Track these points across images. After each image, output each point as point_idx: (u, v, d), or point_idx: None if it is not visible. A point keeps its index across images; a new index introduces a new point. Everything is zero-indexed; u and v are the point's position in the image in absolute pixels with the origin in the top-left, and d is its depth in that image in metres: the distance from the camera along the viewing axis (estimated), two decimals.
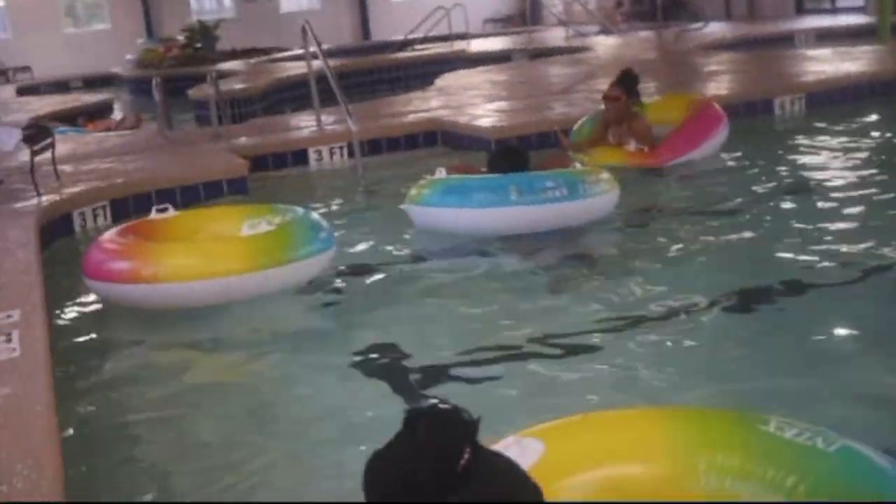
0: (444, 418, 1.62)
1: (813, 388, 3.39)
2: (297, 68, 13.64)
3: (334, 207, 6.68)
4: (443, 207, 5.43)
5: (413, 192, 5.65)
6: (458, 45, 17.86)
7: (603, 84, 7.71)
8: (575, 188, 5.37)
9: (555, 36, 19.94)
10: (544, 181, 5.37)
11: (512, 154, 5.84)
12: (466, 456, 1.56)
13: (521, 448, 2.02)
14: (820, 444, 2.05)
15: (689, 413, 2.37)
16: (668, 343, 3.90)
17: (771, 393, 3.38)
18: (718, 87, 9.68)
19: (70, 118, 12.45)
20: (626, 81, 6.93)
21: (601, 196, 5.51)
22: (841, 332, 3.99)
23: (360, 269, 5.29)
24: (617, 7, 23.22)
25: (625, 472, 2.15)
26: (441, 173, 5.61)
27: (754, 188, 6.39)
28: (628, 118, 6.86)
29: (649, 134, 6.82)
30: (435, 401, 3.49)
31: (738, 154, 7.29)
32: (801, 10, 20.47)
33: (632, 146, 6.80)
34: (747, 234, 5.37)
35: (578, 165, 5.72)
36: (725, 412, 2.38)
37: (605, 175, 5.61)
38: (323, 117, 8.82)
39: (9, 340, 3.55)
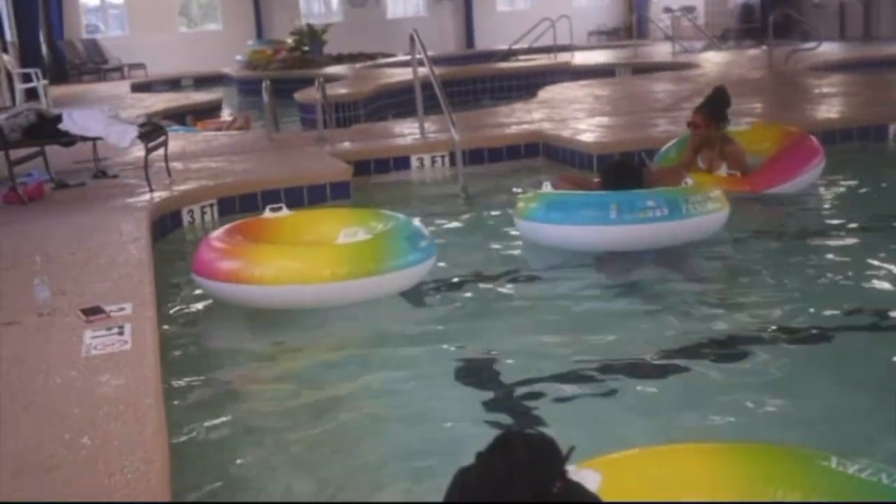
0: (542, 443, 1.63)
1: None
2: (401, 75, 13.80)
3: (435, 215, 6.73)
4: (545, 223, 5.48)
5: (520, 205, 5.73)
6: (562, 58, 17.80)
7: None
8: (677, 208, 5.31)
9: (661, 51, 19.73)
10: (645, 200, 5.32)
11: (623, 169, 5.80)
12: (559, 483, 1.57)
13: (579, 479, 1.98)
14: (885, 479, 1.99)
15: (746, 448, 2.32)
16: (762, 373, 3.84)
17: (864, 434, 3.26)
18: (829, 110, 9.44)
19: (180, 116, 12.84)
20: (710, 106, 6.71)
21: (706, 216, 5.44)
22: None
23: (457, 279, 5.33)
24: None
25: None
26: (547, 187, 5.64)
27: (860, 217, 6.21)
28: (721, 143, 6.67)
29: (743, 159, 6.60)
30: (523, 426, 3.48)
31: (847, 181, 7.10)
32: None
33: (723, 171, 6.57)
34: (850, 265, 5.22)
35: (690, 181, 5.65)
36: (785, 448, 2.33)
37: (715, 193, 5.54)
38: (426, 125, 8.89)
39: (121, 333, 3.68)
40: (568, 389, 3.79)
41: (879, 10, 20.61)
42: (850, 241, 5.71)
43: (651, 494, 2.13)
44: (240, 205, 6.91)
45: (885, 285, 4.87)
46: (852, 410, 3.48)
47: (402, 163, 8.32)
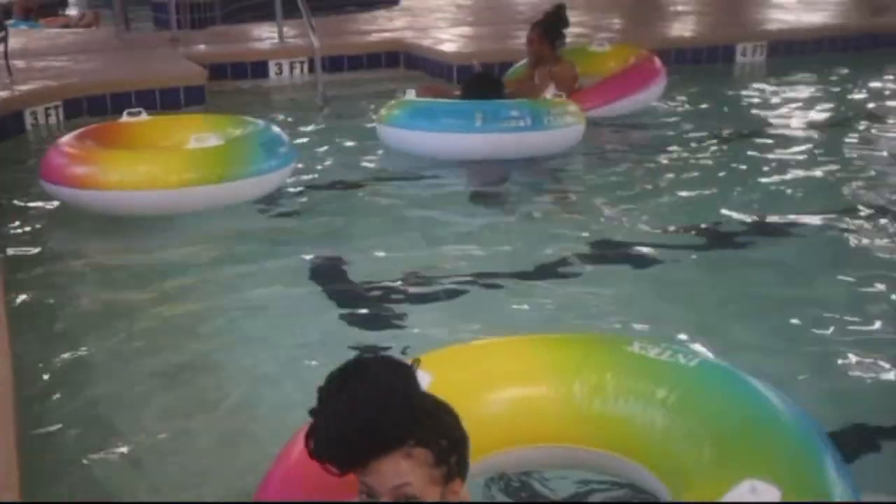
0: (392, 364, 1.68)
1: (742, 327, 3.55)
2: None
3: (294, 122, 6.63)
4: (409, 130, 5.48)
5: (383, 111, 5.70)
6: None
7: (571, 16, 7.58)
8: (539, 119, 5.45)
9: None
10: (509, 110, 5.44)
11: (485, 81, 5.85)
12: (415, 397, 1.64)
13: None
14: (681, 359, 2.22)
15: (562, 339, 2.51)
16: (604, 278, 4.04)
17: (700, 327, 3.48)
18: (683, 28, 9.69)
19: (23, 12, 12.09)
20: (545, 24, 6.56)
21: (566, 128, 5.59)
22: (771, 276, 4.06)
23: (316, 186, 5.31)
24: None
25: (509, 397, 2.25)
26: (410, 94, 5.64)
27: (705, 134, 6.38)
28: (552, 62, 6.50)
29: (569, 82, 6.44)
30: (373, 334, 3.53)
31: (694, 100, 7.30)
32: None
33: (550, 91, 6.28)
34: (692, 178, 5.46)
35: (549, 96, 5.75)
36: (593, 336, 2.59)
37: (573, 108, 5.67)
38: (285, 30, 8.68)
39: None
40: (421, 294, 3.87)
41: None
42: (693, 158, 5.91)
43: (477, 386, 2.25)
44: (87, 107, 6.63)
45: (726, 200, 5.08)
46: (695, 314, 3.68)
47: (259, 68, 8.12)
